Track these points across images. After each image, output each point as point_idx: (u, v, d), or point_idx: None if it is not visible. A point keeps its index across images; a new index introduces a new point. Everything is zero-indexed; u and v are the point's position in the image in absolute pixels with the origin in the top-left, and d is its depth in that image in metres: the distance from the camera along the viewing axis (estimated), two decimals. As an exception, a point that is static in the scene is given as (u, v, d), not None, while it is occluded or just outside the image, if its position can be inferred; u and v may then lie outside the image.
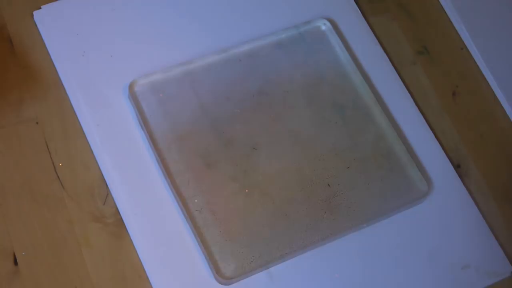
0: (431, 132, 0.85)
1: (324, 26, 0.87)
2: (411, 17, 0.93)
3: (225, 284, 0.73)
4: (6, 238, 0.72)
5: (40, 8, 0.83)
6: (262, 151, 0.79)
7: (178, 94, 0.80)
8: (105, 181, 0.76)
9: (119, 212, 0.75)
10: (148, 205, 0.75)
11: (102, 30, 0.83)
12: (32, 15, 0.83)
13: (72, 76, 0.80)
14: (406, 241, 0.78)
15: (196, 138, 0.78)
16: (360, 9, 0.91)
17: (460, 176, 0.83)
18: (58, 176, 0.76)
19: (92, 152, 0.77)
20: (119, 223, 0.75)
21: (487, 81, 0.90)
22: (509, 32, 0.93)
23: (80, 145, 0.78)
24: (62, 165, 0.76)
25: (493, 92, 0.90)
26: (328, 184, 0.78)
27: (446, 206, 0.81)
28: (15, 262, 0.72)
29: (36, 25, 0.83)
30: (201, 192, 0.76)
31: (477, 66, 0.91)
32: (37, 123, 0.78)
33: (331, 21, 0.87)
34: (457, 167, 0.84)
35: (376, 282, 0.76)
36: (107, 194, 0.76)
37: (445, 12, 0.94)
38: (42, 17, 0.83)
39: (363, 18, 0.90)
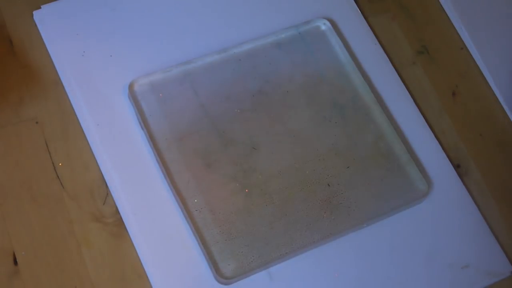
0: (431, 132, 0.85)
1: (324, 26, 0.87)
2: (411, 17, 0.93)
3: (225, 284, 0.73)
4: (6, 238, 0.72)
5: (40, 8, 0.83)
6: (262, 151, 0.79)
7: (178, 94, 0.80)
8: (105, 181, 0.76)
9: (119, 212, 0.75)
10: (148, 205, 0.75)
11: (102, 30, 0.83)
12: (32, 15, 0.83)
13: (72, 76, 0.80)
14: (405, 241, 0.78)
15: (196, 138, 0.79)
16: (360, 9, 0.91)
17: (460, 176, 0.83)
18: (58, 176, 0.76)
19: (92, 152, 0.77)
20: (119, 223, 0.75)
21: (487, 81, 0.90)
22: (509, 32, 0.93)
23: (80, 145, 0.78)
24: (62, 165, 0.76)
25: (493, 92, 0.90)
26: (328, 184, 0.78)
27: (446, 206, 0.81)
28: (15, 262, 0.72)
29: (36, 25, 0.83)
30: (201, 192, 0.76)
31: (477, 66, 0.91)
32: (37, 123, 0.78)
33: (331, 21, 0.88)
34: (457, 167, 0.84)
35: (375, 281, 0.76)
36: (107, 194, 0.76)
37: (445, 12, 0.94)
38: (42, 17, 0.83)
39: (363, 18, 0.90)
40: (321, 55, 0.86)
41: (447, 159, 0.84)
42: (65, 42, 0.82)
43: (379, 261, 0.77)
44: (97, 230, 0.74)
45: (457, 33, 0.93)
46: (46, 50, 0.82)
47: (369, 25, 0.90)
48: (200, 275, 0.73)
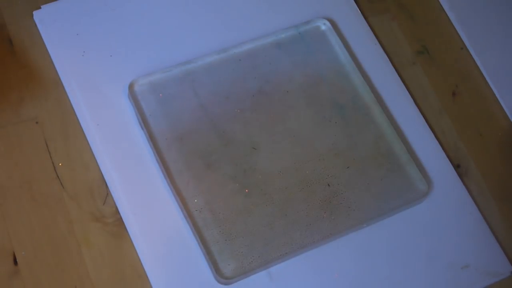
0: (431, 132, 0.85)
1: (324, 26, 0.87)
2: (411, 17, 0.93)
3: (225, 284, 0.73)
4: (6, 238, 0.72)
5: (40, 8, 0.83)
6: (262, 151, 0.79)
7: (178, 94, 0.80)
8: (105, 181, 0.76)
9: (119, 212, 0.75)
10: (148, 205, 0.75)
11: (102, 30, 0.83)
12: (32, 15, 0.83)
13: (72, 76, 0.80)
14: (405, 241, 0.78)
15: (196, 138, 0.79)
16: (360, 9, 0.91)
17: (459, 176, 0.83)
18: (58, 176, 0.76)
19: (92, 152, 0.77)
20: (119, 223, 0.75)
21: (487, 81, 0.90)
22: (509, 32, 0.93)
23: (80, 145, 0.78)
24: (62, 165, 0.76)
25: (493, 92, 0.90)
26: (328, 184, 0.78)
27: (446, 206, 0.81)
28: (15, 262, 0.72)
29: (36, 25, 0.83)
30: (201, 192, 0.76)
31: (477, 66, 0.91)
32: (37, 123, 0.78)
33: (331, 21, 0.88)
34: (456, 167, 0.84)
35: (375, 282, 0.76)
36: (107, 194, 0.76)
37: (445, 12, 0.94)
38: (42, 17, 0.83)
39: (363, 18, 0.90)
40: (321, 55, 0.86)
41: (447, 159, 0.84)
42: (65, 42, 0.82)
43: (379, 261, 0.77)
44: (97, 230, 0.74)
45: (457, 33, 0.93)
46: (46, 50, 0.82)
47: (369, 25, 0.90)
48: (200, 275, 0.73)
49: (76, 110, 0.79)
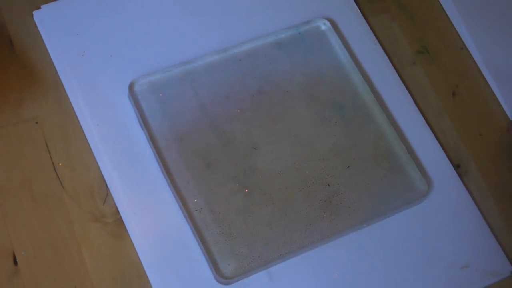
0: (430, 132, 0.85)
1: (324, 26, 0.87)
2: (411, 17, 0.93)
3: (225, 284, 0.73)
4: (6, 238, 0.72)
5: (40, 8, 0.83)
6: (262, 151, 0.79)
7: (178, 94, 0.80)
8: (104, 181, 0.76)
9: (118, 212, 0.75)
10: (148, 205, 0.75)
11: (102, 30, 0.83)
12: (32, 15, 0.83)
13: (72, 76, 0.80)
14: (405, 241, 0.78)
15: (196, 138, 0.79)
16: (360, 9, 0.91)
17: (459, 175, 0.83)
18: (58, 176, 0.76)
19: (92, 152, 0.77)
20: (119, 223, 0.75)
21: (486, 81, 0.90)
22: (509, 32, 0.93)
23: (80, 145, 0.78)
24: (62, 164, 0.76)
25: (493, 92, 0.90)
26: (328, 184, 0.78)
27: (446, 206, 0.81)
28: (15, 262, 0.72)
29: (36, 25, 0.83)
30: (201, 192, 0.76)
31: (477, 66, 0.91)
32: (37, 123, 0.78)
33: (331, 21, 0.88)
34: (456, 166, 0.84)
35: (375, 282, 0.76)
36: (107, 194, 0.76)
37: (445, 12, 0.94)
38: (42, 17, 0.83)
39: (363, 18, 0.90)
40: (321, 55, 0.86)
41: (447, 159, 0.84)
42: (65, 42, 0.82)
43: (379, 261, 0.77)
44: (97, 230, 0.74)
45: (457, 33, 0.93)
46: (46, 50, 0.82)
47: (369, 25, 0.90)
48: (200, 275, 0.73)
49: (76, 110, 0.79)
